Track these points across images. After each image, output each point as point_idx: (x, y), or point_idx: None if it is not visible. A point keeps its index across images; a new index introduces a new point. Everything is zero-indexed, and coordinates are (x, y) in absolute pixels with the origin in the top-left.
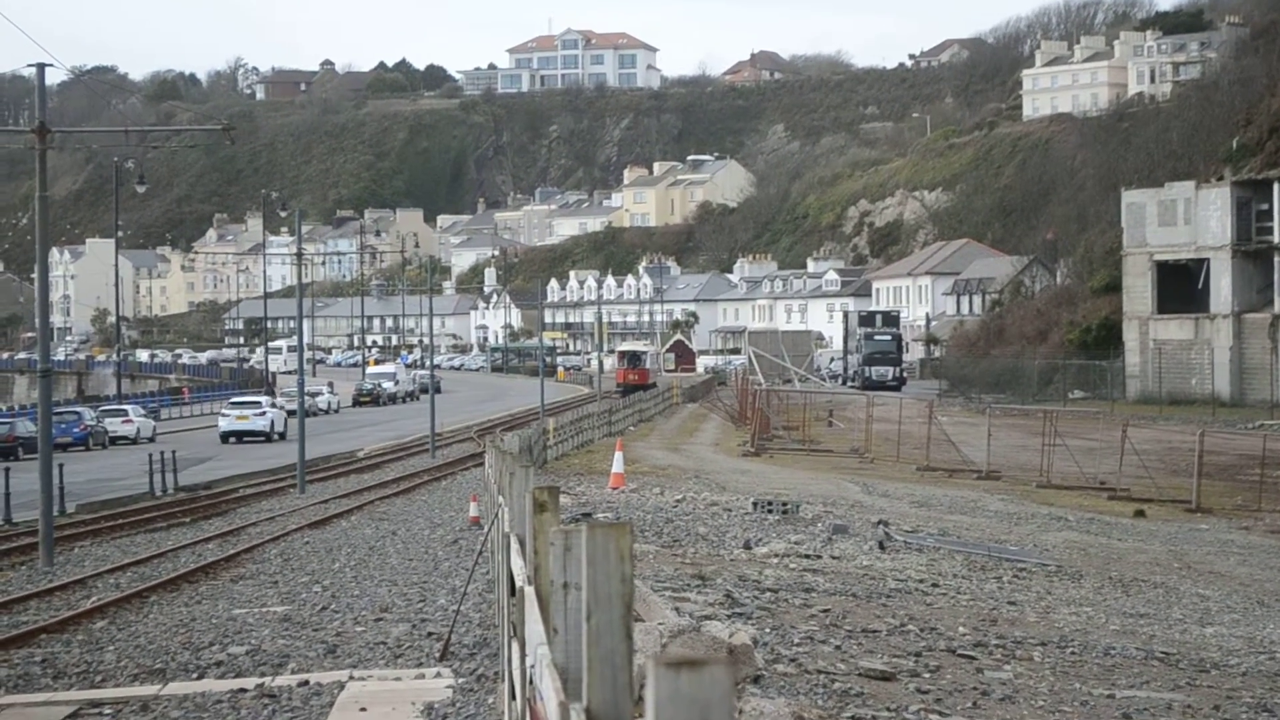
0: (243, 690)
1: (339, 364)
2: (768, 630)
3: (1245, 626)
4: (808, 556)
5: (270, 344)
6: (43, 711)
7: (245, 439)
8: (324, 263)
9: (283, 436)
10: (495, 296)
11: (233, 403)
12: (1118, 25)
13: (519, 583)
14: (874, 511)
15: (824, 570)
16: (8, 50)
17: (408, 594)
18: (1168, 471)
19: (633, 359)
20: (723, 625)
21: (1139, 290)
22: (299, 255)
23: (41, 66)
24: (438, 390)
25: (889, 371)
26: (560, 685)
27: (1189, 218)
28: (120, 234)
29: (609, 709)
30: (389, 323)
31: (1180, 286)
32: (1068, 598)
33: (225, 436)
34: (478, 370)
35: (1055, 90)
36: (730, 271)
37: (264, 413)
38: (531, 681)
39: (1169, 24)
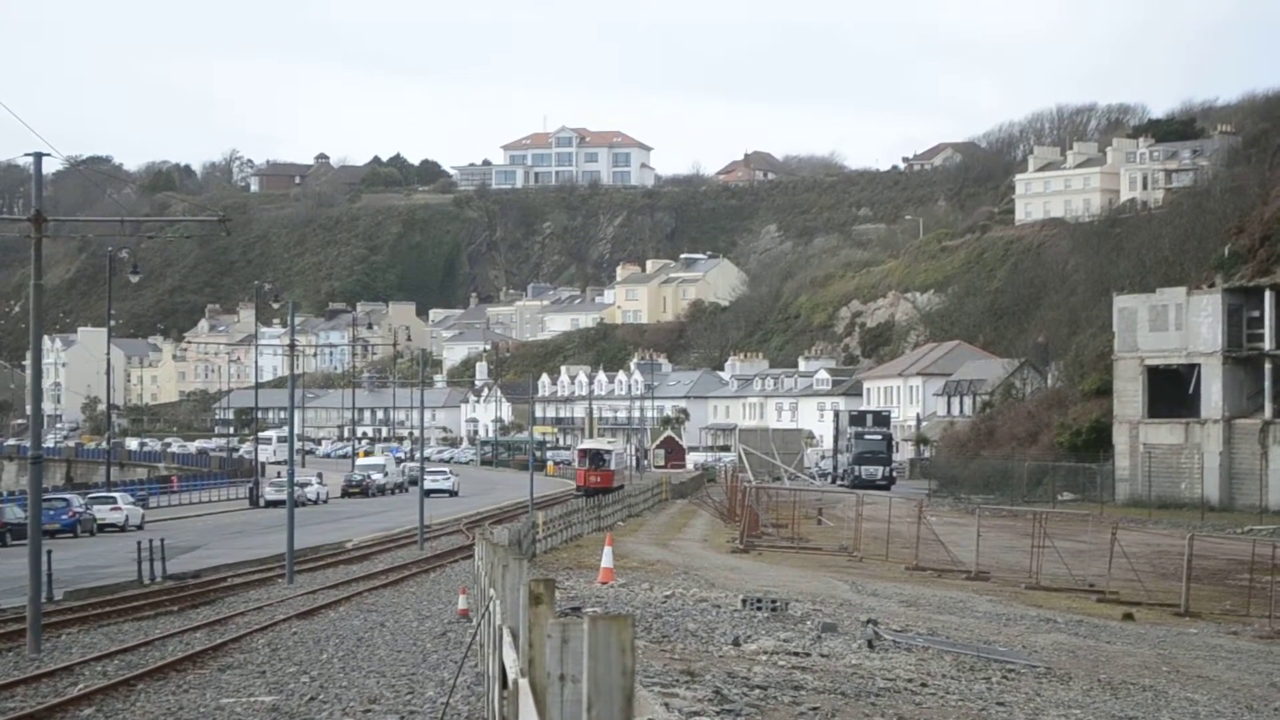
0: None
1: (328, 455)
2: None
3: None
4: (797, 654)
5: (260, 434)
6: None
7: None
8: (316, 354)
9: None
10: (486, 390)
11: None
12: (1110, 132)
13: (512, 675)
14: (863, 610)
15: (813, 668)
16: (4, 139)
17: (396, 686)
18: (1157, 575)
19: (595, 458)
20: None
21: (1130, 394)
22: (291, 346)
23: (39, 155)
24: (428, 494)
25: (879, 471)
26: None
27: (1180, 323)
28: (113, 323)
29: None
30: (380, 414)
31: (1171, 391)
32: (1057, 700)
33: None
34: (467, 463)
35: (1048, 195)
36: (722, 369)
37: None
38: None
39: (1161, 131)
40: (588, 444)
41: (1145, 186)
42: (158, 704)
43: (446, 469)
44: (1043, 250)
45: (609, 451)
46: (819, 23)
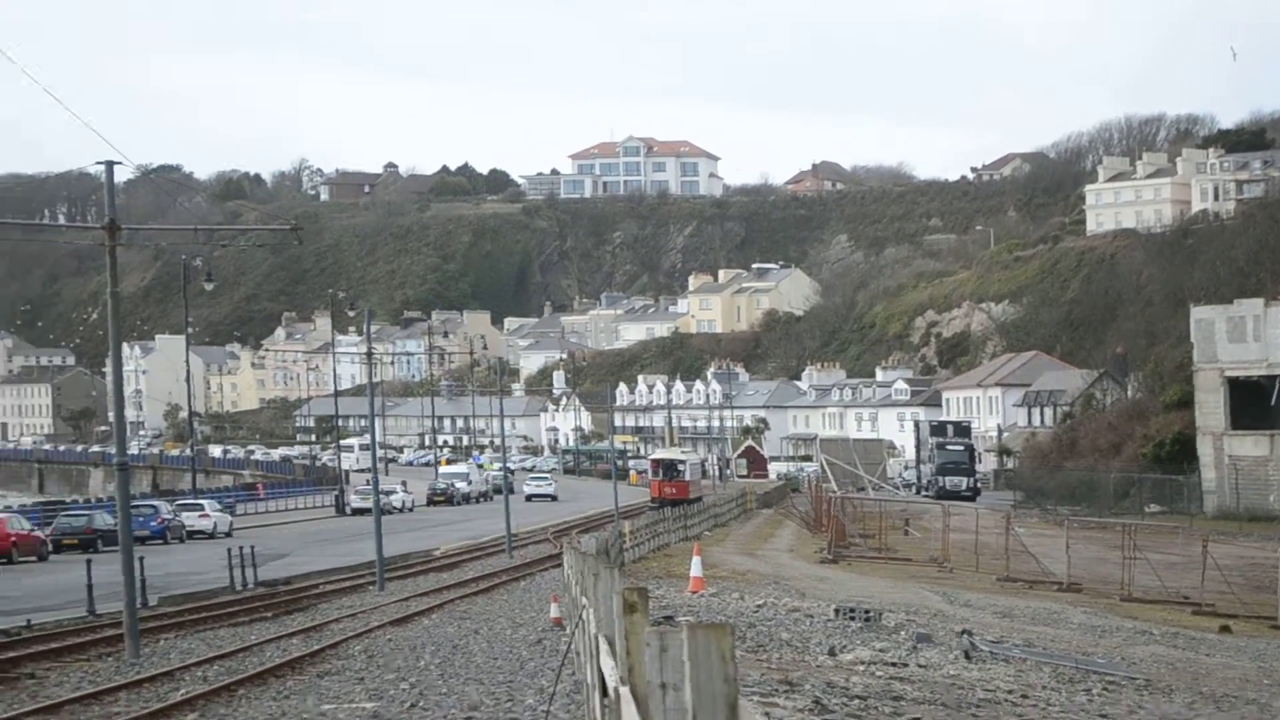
0: None
1: (410, 463)
2: None
3: None
4: (894, 664)
5: (342, 442)
6: None
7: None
8: (393, 362)
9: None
10: (564, 399)
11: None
12: (1179, 142)
13: (611, 684)
14: (956, 621)
15: (911, 679)
16: (76, 148)
17: (495, 693)
18: (1250, 588)
19: (669, 469)
20: None
21: (1211, 406)
22: (369, 354)
23: (110, 164)
24: (511, 490)
25: (963, 481)
26: None
27: (1259, 334)
28: (190, 330)
29: None
30: (459, 423)
31: (1254, 402)
32: (1160, 713)
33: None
34: (549, 472)
35: (1119, 206)
36: (798, 379)
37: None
38: None
39: (1231, 142)
40: (661, 454)
41: (1217, 197)
42: (260, 709)
43: (549, 475)
44: (1116, 261)
45: (683, 462)
46: (886, 33)
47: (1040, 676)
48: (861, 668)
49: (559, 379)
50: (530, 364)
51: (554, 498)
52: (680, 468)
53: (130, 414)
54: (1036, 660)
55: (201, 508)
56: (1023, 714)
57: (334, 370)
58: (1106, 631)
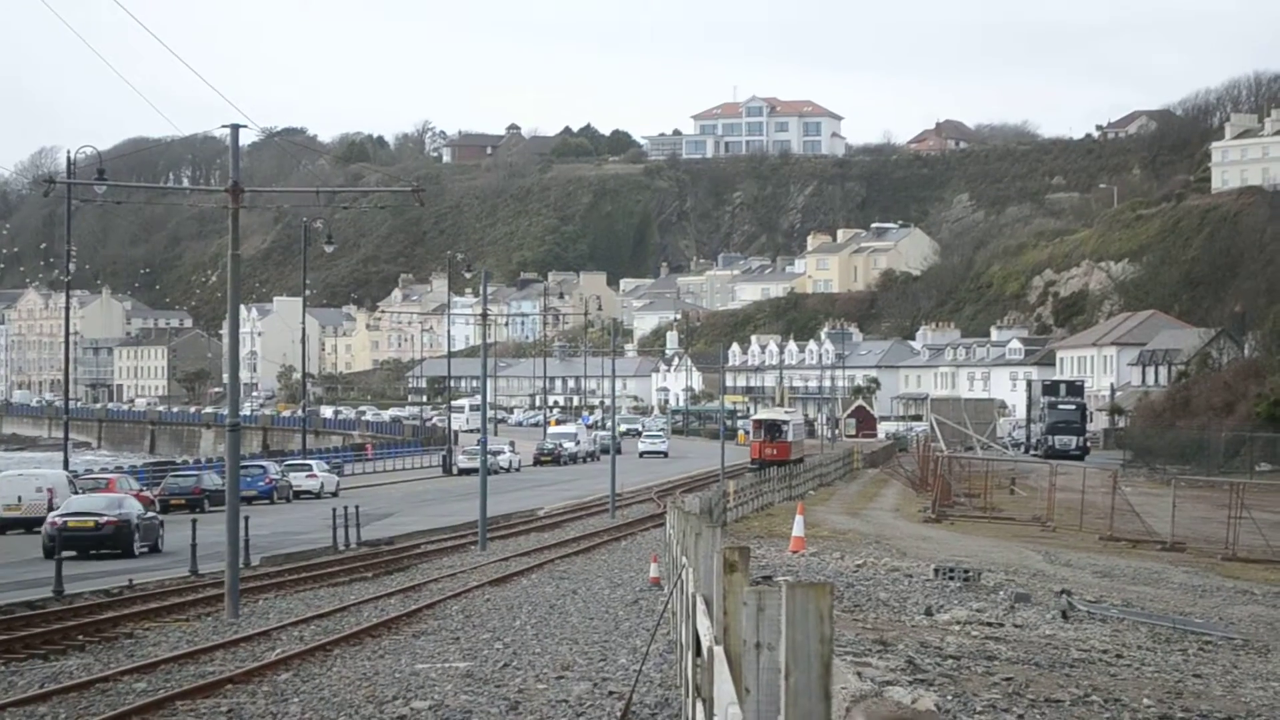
0: None
1: (520, 424)
2: (949, 697)
3: None
4: (990, 624)
5: (453, 402)
6: None
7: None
8: (507, 324)
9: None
10: (676, 359)
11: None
12: None
13: (705, 643)
14: (1056, 580)
15: (1006, 638)
16: (201, 112)
17: (589, 653)
18: None
19: (771, 429)
20: (905, 691)
21: None
22: (484, 315)
23: (235, 128)
24: (619, 450)
25: (1072, 441)
26: None
27: None
28: (308, 292)
29: None
30: (570, 384)
31: None
32: (1255, 672)
33: None
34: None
35: (1245, 163)
36: (912, 339)
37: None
38: None
39: None
40: (763, 414)
41: None
42: (353, 669)
43: (662, 434)
44: (1240, 219)
45: (786, 422)
46: None
47: (1136, 636)
48: (957, 627)
49: (672, 339)
50: (644, 325)
51: (665, 454)
52: (783, 428)
53: (244, 375)
54: (1133, 620)
55: (309, 468)
56: (1116, 674)
57: (448, 331)
58: (1207, 591)
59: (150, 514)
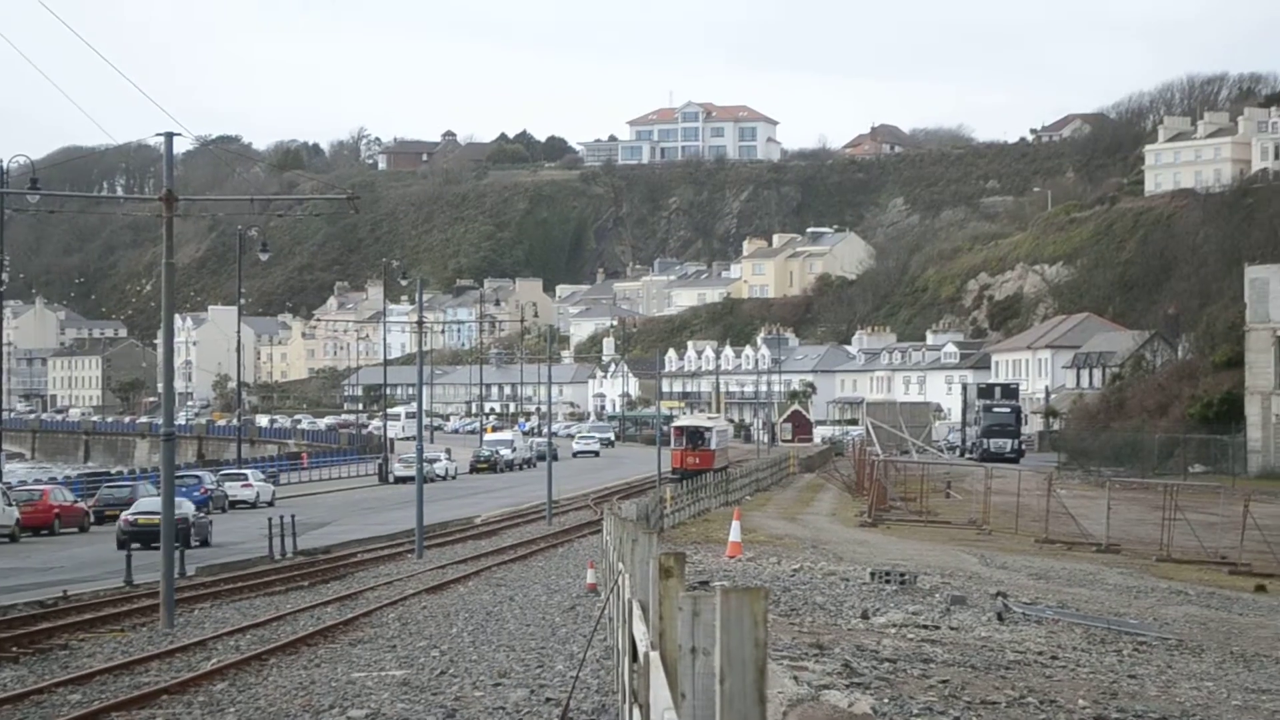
0: None
1: (456, 431)
2: (886, 700)
3: None
4: (926, 627)
5: (389, 410)
6: None
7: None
8: (443, 331)
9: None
10: (613, 366)
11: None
12: (1241, 101)
13: (642, 648)
14: (992, 583)
15: (942, 641)
16: (136, 120)
17: (526, 659)
18: None
19: (693, 437)
20: (841, 694)
21: (1261, 365)
22: (419, 323)
23: (169, 135)
24: (555, 457)
25: (1008, 444)
26: None
27: None
28: (243, 301)
29: None
30: (507, 390)
31: None
32: (1189, 672)
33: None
34: (607, 435)
35: (1178, 166)
36: (848, 343)
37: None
38: None
39: None
40: (685, 421)
41: (1277, 156)
42: (289, 678)
43: (595, 435)
44: (1173, 221)
45: (709, 429)
46: None
47: (1072, 638)
48: (894, 631)
49: (609, 346)
50: (581, 331)
51: (597, 453)
52: (706, 435)
53: (179, 385)
54: (1069, 621)
55: (245, 477)
56: (1051, 675)
57: (384, 339)
58: (1142, 592)
59: (202, 514)
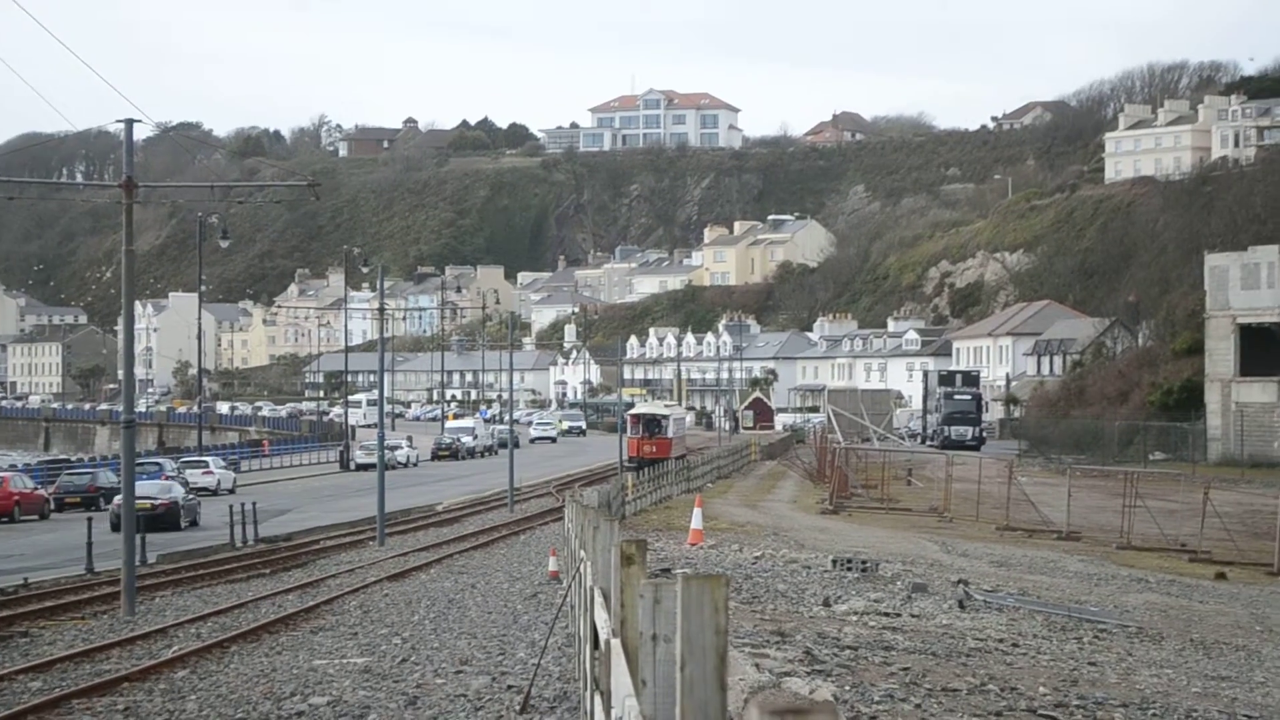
0: None
1: (418, 418)
2: (847, 688)
3: None
4: (887, 615)
5: (350, 398)
6: None
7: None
8: (405, 318)
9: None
10: (575, 353)
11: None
12: (1202, 89)
13: (603, 636)
14: (953, 570)
15: (904, 629)
16: (95, 106)
17: (487, 647)
18: (1249, 534)
19: (650, 425)
20: (802, 682)
21: (1221, 353)
22: (381, 310)
23: (129, 122)
24: (517, 445)
25: (968, 431)
26: None
27: (1273, 281)
28: (204, 288)
29: None
30: (469, 378)
31: (1264, 350)
32: (1149, 659)
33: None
34: (577, 423)
35: (1138, 153)
36: (810, 330)
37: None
38: None
39: (1254, 89)
40: (641, 408)
41: (1237, 144)
42: (251, 665)
43: (550, 421)
44: (1133, 209)
45: (665, 417)
46: None
47: (1032, 625)
48: (855, 618)
49: (570, 333)
50: (542, 318)
51: (554, 439)
52: (663, 423)
53: (140, 372)
54: (1030, 609)
55: (205, 465)
56: (1012, 663)
57: (345, 326)
58: (1102, 580)
59: (190, 497)
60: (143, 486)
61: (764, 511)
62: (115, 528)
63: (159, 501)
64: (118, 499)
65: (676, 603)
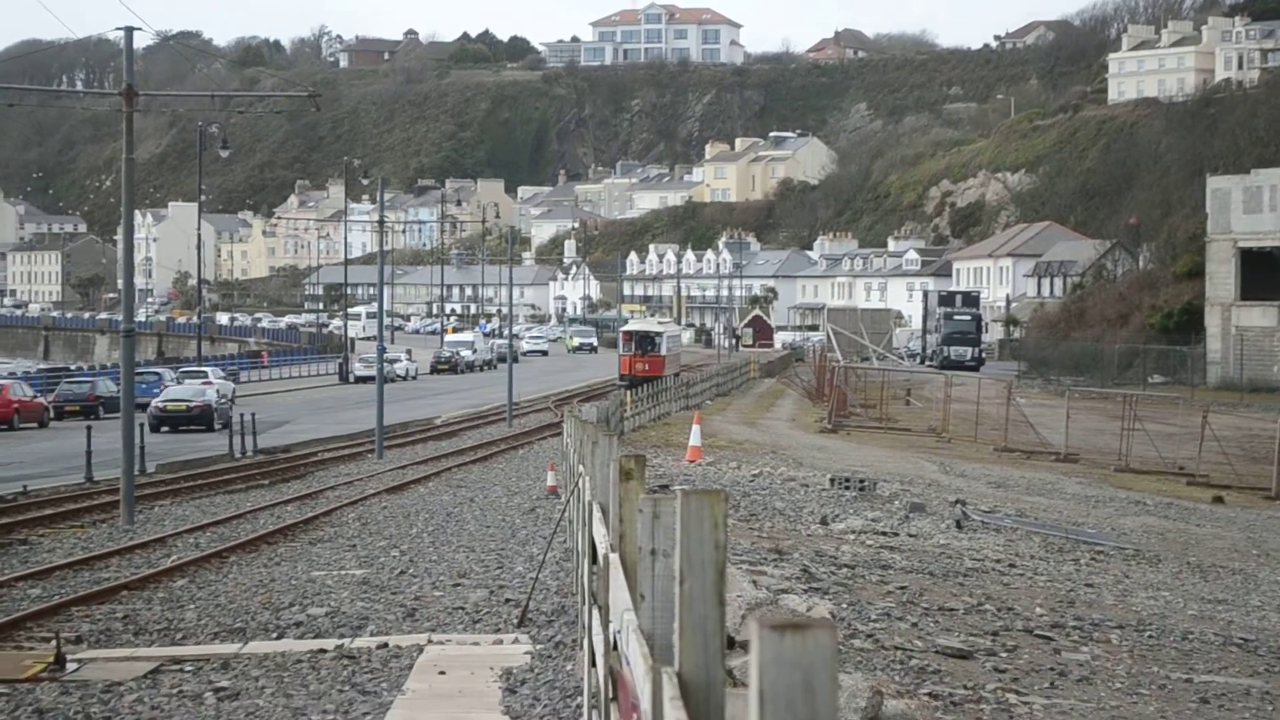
0: (322, 651)
1: (417, 331)
2: (844, 606)
3: None
4: (885, 534)
5: (349, 310)
6: (125, 667)
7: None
8: (405, 231)
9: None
10: (574, 268)
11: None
12: (1206, 10)
13: (601, 550)
14: (951, 491)
15: (901, 548)
16: (95, 14)
17: (485, 560)
18: (1247, 459)
19: (642, 341)
20: (800, 599)
21: (1222, 276)
22: (380, 223)
23: (129, 30)
24: (516, 359)
25: (968, 352)
26: (648, 651)
27: (1275, 204)
28: (203, 198)
29: (700, 673)
30: (468, 291)
31: (1264, 273)
32: (1145, 582)
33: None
34: (556, 340)
35: (1141, 74)
36: (810, 249)
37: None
38: (615, 647)
39: (1258, 10)
40: (634, 325)
41: (1241, 66)
42: (249, 575)
43: (541, 335)
44: (1135, 130)
45: (659, 334)
46: None
47: (1030, 546)
48: (852, 537)
49: (570, 248)
50: (542, 233)
51: (545, 353)
52: (656, 340)
53: (139, 281)
54: (1027, 530)
55: (205, 375)
56: (1009, 583)
57: (345, 238)
58: (1100, 502)
59: (224, 399)
60: (179, 390)
61: (762, 429)
62: (155, 429)
63: (194, 404)
64: (155, 402)
65: (676, 518)
